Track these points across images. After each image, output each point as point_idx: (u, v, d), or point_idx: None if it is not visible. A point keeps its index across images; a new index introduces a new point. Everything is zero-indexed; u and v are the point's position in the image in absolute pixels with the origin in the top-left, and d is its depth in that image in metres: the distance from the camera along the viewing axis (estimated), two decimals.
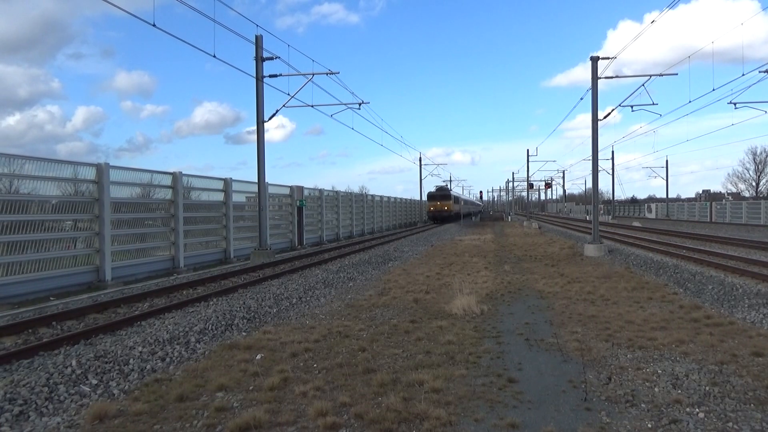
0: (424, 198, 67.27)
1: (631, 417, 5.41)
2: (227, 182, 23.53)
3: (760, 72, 21.84)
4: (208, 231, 22.74)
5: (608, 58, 22.63)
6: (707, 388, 6.18)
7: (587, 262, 20.03)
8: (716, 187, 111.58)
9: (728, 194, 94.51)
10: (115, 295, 12.38)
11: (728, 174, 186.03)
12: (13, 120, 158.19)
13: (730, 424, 5.22)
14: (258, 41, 20.00)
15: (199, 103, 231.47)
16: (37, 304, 11.91)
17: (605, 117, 24.07)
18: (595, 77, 22.58)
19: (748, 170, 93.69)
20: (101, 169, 16.10)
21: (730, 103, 25.01)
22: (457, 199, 72.24)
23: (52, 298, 12.83)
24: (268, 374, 6.82)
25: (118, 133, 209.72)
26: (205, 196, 22.73)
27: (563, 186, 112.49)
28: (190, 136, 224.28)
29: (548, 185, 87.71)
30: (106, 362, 6.89)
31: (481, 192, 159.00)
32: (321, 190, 35.18)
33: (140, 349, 7.56)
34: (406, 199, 64.89)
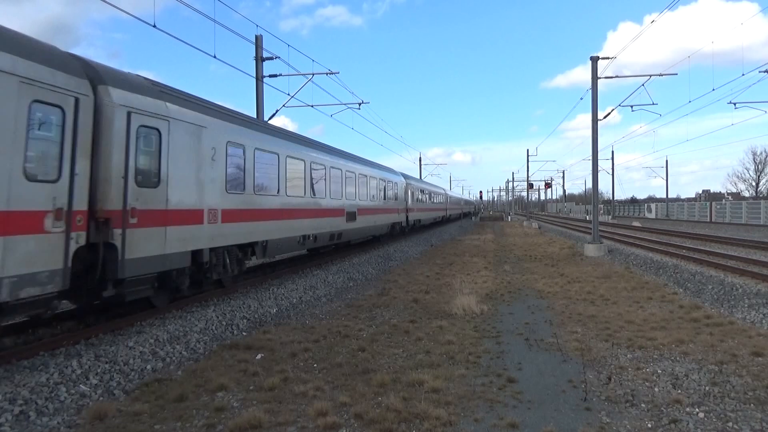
0: None
1: (631, 417, 5.42)
2: None
3: (759, 72, 21.84)
4: None
5: (608, 58, 22.66)
6: (707, 388, 6.19)
7: (587, 262, 20.03)
8: (716, 187, 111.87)
9: (728, 194, 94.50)
10: None
11: (728, 174, 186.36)
12: None
13: (730, 424, 5.23)
14: (258, 41, 19.97)
15: None
16: None
17: (605, 117, 24.08)
18: (595, 77, 22.58)
19: (748, 170, 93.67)
20: None
21: (730, 102, 25.06)
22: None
23: None
24: (268, 374, 6.83)
25: None
26: None
27: (563, 186, 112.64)
28: None
29: (548, 185, 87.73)
30: (107, 362, 6.89)
31: (481, 192, 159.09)
32: None
33: (140, 349, 7.56)
34: None
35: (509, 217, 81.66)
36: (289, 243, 14.56)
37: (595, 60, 22.54)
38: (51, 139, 6.94)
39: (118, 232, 7.80)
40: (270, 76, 20.10)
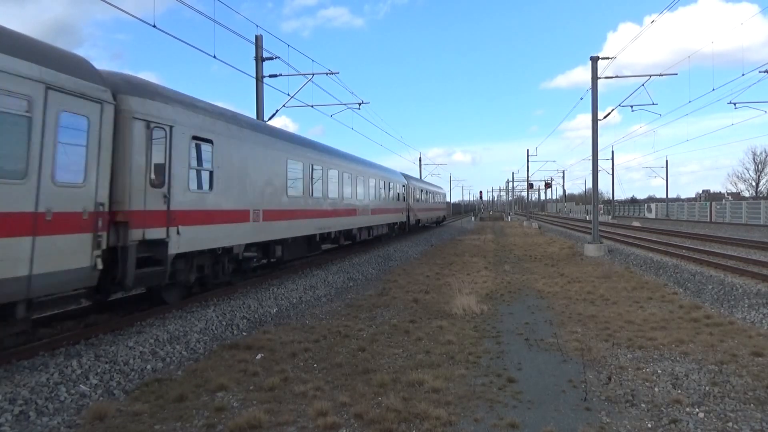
0: None
1: (631, 417, 5.42)
2: None
3: (759, 72, 21.84)
4: None
5: (608, 58, 22.67)
6: (707, 388, 6.19)
7: (587, 262, 20.02)
8: (716, 187, 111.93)
9: (728, 194, 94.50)
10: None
11: (728, 174, 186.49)
12: None
13: (730, 424, 5.23)
14: (258, 41, 19.96)
15: None
16: None
17: (605, 117, 24.09)
18: (595, 77, 22.58)
19: (747, 170, 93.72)
20: None
21: (730, 103, 25.07)
22: None
23: None
24: (268, 374, 6.83)
25: None
26: None
27: (563, 186, 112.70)
28: None
29: (548, 185, 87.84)
30: (107, 362, 6.89)
31: (481, 192, 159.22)
32: None
33: (140, 349, 7.56)
34: None
35: (509, 217, 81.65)
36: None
37: (595, 60, 22.55)
38: None
39: None
40: (270, 76, 20.10)
